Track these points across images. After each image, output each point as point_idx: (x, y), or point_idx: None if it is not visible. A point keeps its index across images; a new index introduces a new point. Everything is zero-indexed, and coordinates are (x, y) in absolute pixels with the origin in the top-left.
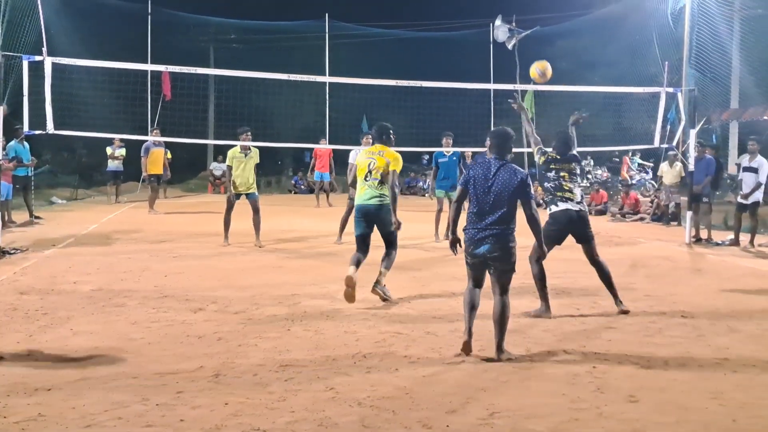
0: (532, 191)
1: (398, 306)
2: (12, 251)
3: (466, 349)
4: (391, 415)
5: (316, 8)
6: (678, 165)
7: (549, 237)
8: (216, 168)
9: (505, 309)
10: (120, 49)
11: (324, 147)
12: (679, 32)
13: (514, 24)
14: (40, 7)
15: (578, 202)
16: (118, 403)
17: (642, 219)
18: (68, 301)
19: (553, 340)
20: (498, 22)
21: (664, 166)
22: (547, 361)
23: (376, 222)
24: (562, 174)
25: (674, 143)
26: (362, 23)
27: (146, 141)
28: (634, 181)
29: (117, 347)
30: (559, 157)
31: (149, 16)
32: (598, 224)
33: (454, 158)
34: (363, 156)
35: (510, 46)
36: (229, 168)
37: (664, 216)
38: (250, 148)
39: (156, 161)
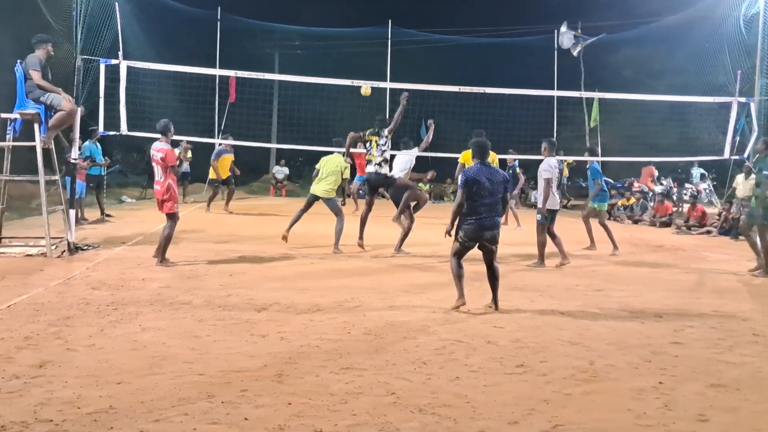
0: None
1: (458, 314)
2: (84, 247)
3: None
4: (453, 423)
5: (379, 15)
6: (754, 178)
7: None
8: (278, 171)
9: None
10: (189, 54)
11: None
12: (752, 39)
13: (579, 31)
14: (117, 13)
15: None
16: (184, 399)
17: (708, 232)
18: (137, 298)
19: (618, 354)
20: (563, 28)
21: (739, 178)
22: (611, 374)
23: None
24: None
25: (745, 154)
26: (425, 29)
27: (219, 146)
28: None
29: (183, 344)
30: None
31: (218, 23)
32: (662, 236)
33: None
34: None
35: (575, 53)
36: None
37: (733, 229)
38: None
39: (225, 166)
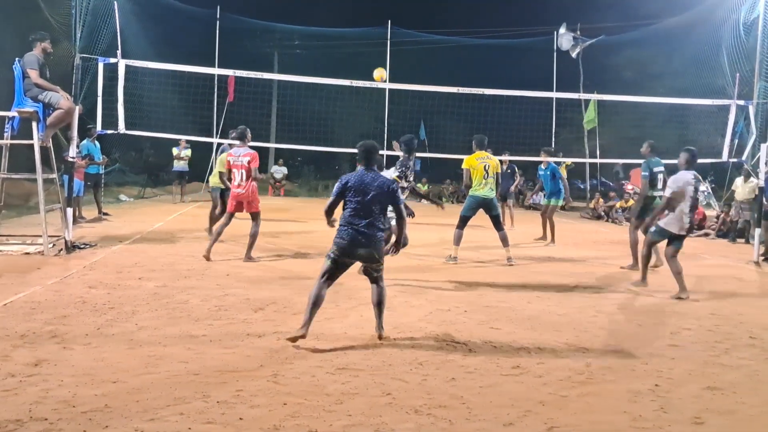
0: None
1: (455, 315)
2: (82, 246)
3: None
4: (448, 424)
5: (378, 15)
6: (753, 181)
7: None
8: (276, 171)
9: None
10: (188, 53)
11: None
12: (751, 43)
13: (578, 32)
14: (116, 12)
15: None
16: (179, 399)
17: (707, 234)
18: (134, 297)
19: (614, 356)
20: (562, 30)
21: (738, 181)
22: (607, 376)
23: (489, 208)
24: None
25: (743, 157)
26: (424, 30)
27: (223, 144)
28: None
29: (179, 343)
30: None
31: (217, 22)
32: None
33: (548, 172)
34: (475, 161)
35: (574, 55)
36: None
37: (731, 232)
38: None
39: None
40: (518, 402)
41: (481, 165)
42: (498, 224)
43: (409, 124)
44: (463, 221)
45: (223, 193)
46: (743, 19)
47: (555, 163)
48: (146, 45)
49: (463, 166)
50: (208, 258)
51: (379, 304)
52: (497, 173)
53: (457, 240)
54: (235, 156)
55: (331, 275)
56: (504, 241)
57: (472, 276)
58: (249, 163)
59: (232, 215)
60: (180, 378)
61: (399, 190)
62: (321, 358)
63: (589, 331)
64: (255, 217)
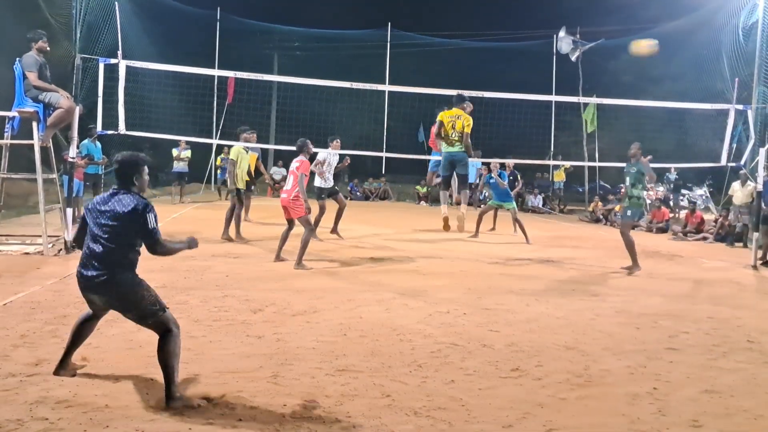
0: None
1: (454, 318)
2: None
3: None
4: (447, 426)
5: (379, 17)
6: (750, 185)
7: None
8: (276, 172)
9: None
10: (188, 53)
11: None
12: (751, 48)
13: (578, 36)
14: (117, 12)
15: None
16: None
17: (705, 239)
18: None
19: (613, 359)
20: (562, 33)
21: (735, 185)
22: (606, 379)
23: (457, 165)
24: None
25: (742, 161)
26: (424, 32)
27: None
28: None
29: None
30: None
31: (218, 23)
32: (659, 242)
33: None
34: (446, 117)
35: (573, 58)
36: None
37: (729, 236)
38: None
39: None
40: (517, 404)
41: (449, 122)
42: (462, 184)
43: (409, 126)
44: (445, 182)
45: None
46: (742, 23)
47: (553, 166)
48: (147, 45)
49: (437, 118)
50: (279, 260)
51: (163, 366)
52: (465, 133)
53: (444, 199)
54: (294, 162)
55: None
56: (463, 198)
57: (470, 279)
58: (297, 168)
59: (289, 222)
60: (179, 378)
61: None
62: (320, 360)
63: (587, 333)
64: (303, 222)
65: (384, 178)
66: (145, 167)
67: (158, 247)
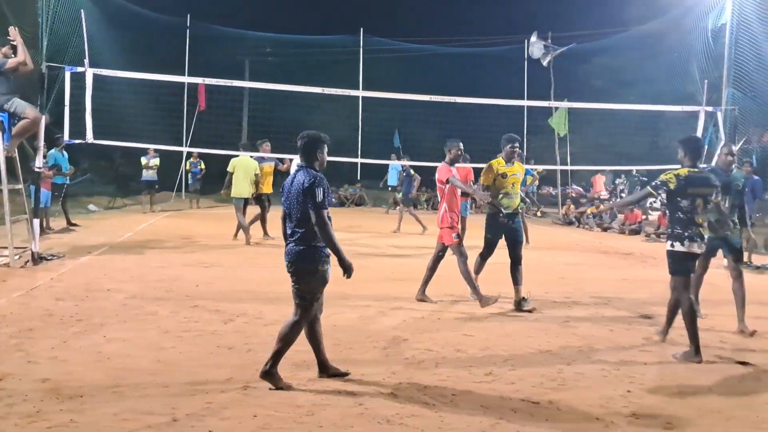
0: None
1: (429, 323)
2: (49, 257)
3: None
4: None
5: (350, 23)
6: None
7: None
8: None
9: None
10: (158, 61)
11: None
12: (719, 50)
13: (549, 40)
14: (83, 19)
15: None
16: (148, 412)
17: None
18: (102, 308)
19: (587, 362)
20: (534, 38)
21: None
22: (580, 382)
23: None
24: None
25: (713, 163)
26: (397, 38)
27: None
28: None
29: (148, 356)
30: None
31: (188, 30)
32: (632, 244)
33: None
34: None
35: (545, 63)
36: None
37: None
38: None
39: (265, 178)
40: (490, 410)
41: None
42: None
43: (384, 131)
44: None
45: (246, 201)
46: (711, 25)
47: (528, 169)
48: (116, 53)
49: (482, 181)
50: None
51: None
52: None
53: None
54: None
55: None
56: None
57: (445, 283)
58: (439, 180)
59: None
60: (148, 390)
61: None
62: (292, 370)
63: (561, 336)
64: (455, 249)
65: (359, 184)
66: (326, 145)
67: (320, 222)
